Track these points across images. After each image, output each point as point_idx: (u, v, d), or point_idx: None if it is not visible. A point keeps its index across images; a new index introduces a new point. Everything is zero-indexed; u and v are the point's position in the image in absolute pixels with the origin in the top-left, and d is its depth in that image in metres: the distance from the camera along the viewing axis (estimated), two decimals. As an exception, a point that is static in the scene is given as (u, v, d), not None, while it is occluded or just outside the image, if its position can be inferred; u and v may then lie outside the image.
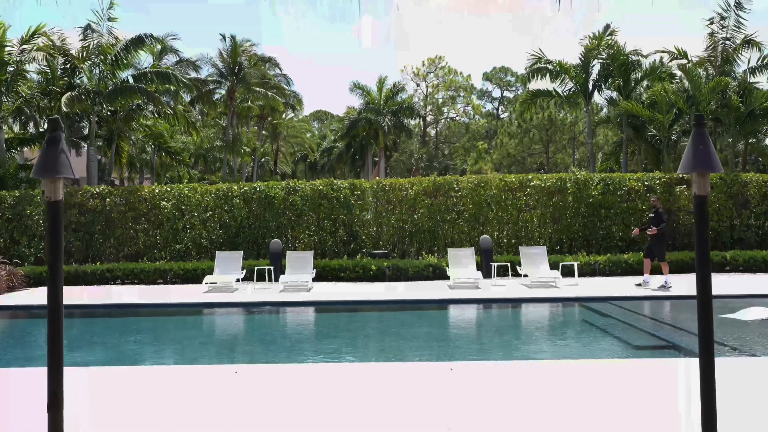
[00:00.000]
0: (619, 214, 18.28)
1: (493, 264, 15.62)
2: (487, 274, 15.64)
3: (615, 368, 7.21)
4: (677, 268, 16.62)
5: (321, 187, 18.48)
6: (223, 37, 37.78)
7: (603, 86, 23.87)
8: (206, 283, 14.62)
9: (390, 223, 18.51)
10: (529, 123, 47.71)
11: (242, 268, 15.48)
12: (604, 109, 32.80)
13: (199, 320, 12.54)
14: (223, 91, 39.19)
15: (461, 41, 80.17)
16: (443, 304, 13.00)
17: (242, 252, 16.12)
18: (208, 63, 38.52)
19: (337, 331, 11.06)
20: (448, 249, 15.90)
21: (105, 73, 20.72)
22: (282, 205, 18.36)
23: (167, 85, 31.38)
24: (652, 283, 14.07)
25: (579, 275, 15.60)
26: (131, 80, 21.26)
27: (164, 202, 18.58)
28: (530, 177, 18.84)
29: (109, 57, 20.60)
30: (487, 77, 65.44)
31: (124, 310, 13.11)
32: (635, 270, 16.57)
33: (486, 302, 13.14)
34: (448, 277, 15.16)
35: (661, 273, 14.49)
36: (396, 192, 18.59)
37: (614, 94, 23.70)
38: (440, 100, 61.82)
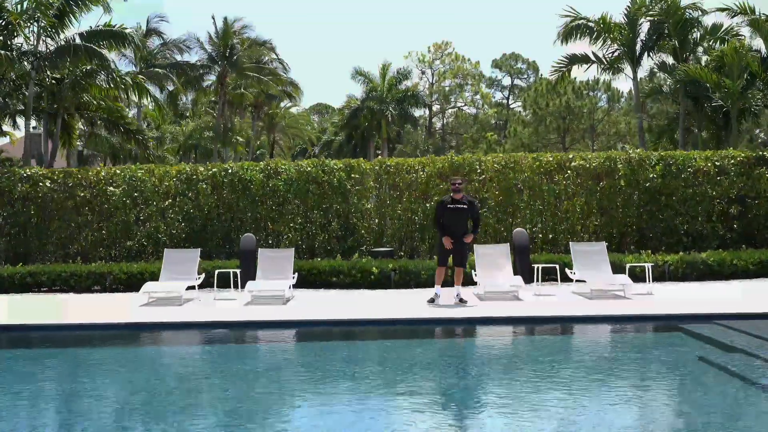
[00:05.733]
0: (684, 201, 14.51)
1: (536, 266, 11.74)
2: (525, 279, 11.75)
3: None
4: (764, 271, 12.87)
5: (309, 169, 14.69)
6: (213, 18, 34.68)
7: (655, 48, 19.81)
8: (145, 293, 10.67)
9: (396, 213, 14.72)
10: (545, 110, 43.78)
11: (200, 272, 11.65)
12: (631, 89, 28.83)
13: (104, 355, 8.21)
14: (214, 77, 36.11)
15: (469, 26, 76.24)
16: (475, 325, 9.11)
17: (200, 250, 12.17)
18: (197, 45, 35.44)
19: (317, 380, 6.77)
20: (475, 246, 11.97)
21: (47, 31, 16.87)
22: (260, 192, 14.61)
23: (156, 69, 28.26)
24: (443, 297, 10.12)
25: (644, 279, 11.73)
26: (78, 40, 17.36)
27: (112, 188, 14.79)
28: (571, 156, 15.07)
29: (51, 11, 16.74)
30: (496, 64, 61.56)
31: None
32: (715, 273, 12.86)
33: (537, 322, 9.17)
34: (474, 283, 11.34)
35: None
36: (403, 175, 14.82)
37: (668, 59, 19.66)
38: (447, 89, 58.02)
